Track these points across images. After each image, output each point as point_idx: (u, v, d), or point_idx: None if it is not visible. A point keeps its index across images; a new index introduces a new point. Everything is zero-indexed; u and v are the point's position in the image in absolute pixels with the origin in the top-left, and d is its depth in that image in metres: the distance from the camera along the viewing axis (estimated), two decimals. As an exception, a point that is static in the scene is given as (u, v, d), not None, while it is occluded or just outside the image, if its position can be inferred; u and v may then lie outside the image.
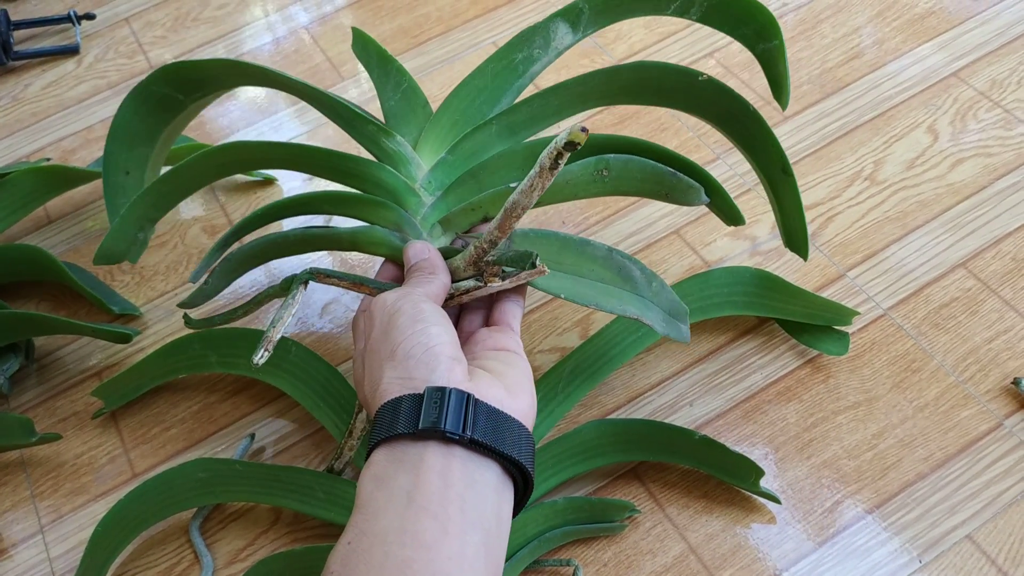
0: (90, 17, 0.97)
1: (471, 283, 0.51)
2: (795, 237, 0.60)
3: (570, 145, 0.41)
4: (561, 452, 0.60)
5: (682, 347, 0.68)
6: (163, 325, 0.74)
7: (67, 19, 0.97)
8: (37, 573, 0.62)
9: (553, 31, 0.59)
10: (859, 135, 0.79)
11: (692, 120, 0.82)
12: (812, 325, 0.66)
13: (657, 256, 0.73)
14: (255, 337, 0.66)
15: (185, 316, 0.65)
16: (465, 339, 0.51)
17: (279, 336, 0.51)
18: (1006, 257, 0.70)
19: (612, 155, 0.55)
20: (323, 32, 0.95)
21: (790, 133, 0.80)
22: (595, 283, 0.54)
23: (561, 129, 0.43)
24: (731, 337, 0.68)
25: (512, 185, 0.51)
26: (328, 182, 0.59)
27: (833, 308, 0.66)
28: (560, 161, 0.42)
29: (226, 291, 0.67)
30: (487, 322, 0.53)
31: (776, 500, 0.60)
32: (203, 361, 0.67)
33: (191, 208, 0.82)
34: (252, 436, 0.66)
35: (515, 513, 0.42)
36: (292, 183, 0.83)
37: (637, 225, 0.75)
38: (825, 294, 0.70)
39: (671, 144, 0.81)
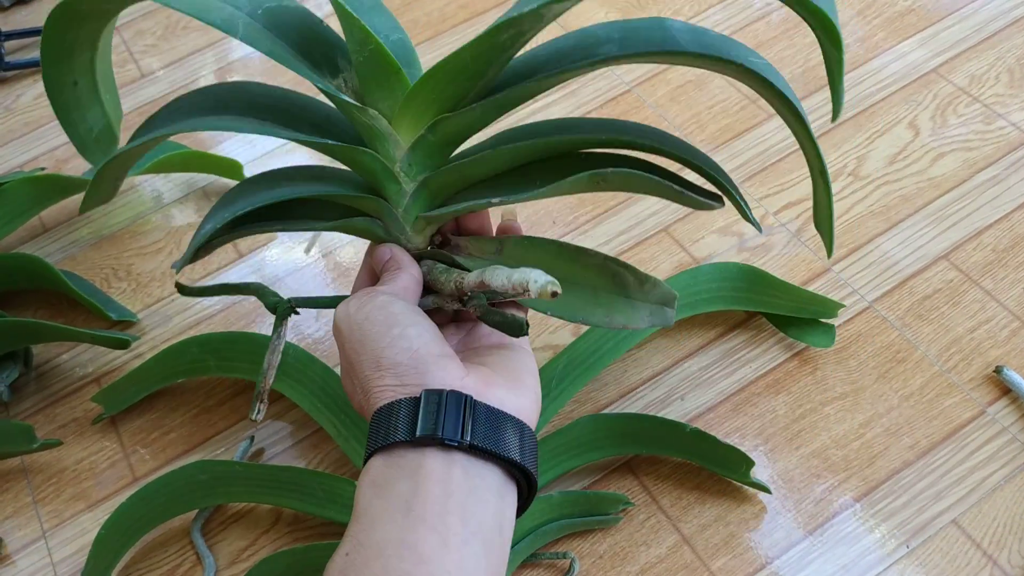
0: (80, 27, 0.98)
1: (455, 306, 0.48)
2: (823, 227, 0.52)
3: (540, 294, 0.40)
4: (556, 447, 0.61)
5: (673, 343, 0.69)
6: (161, 330, 0.75)
7: (58, 29, 0.98)
8: (41, 577, 0.63)
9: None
10: (842, 132, 0.81)
11: (681, 118, 0.84)
12: (799, 318, 0.68)
13: (646, 254, 0.75)
14: (253, 340, 0.68)
15: (178, 285, 0.58)
16: (466, 332, 0.49)
17: (271, 383, 0.51)
18: (987, 248, 0.72)
19: (611, 169, 0.48)
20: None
21: (774, 131, 0.81)
22: (585, 291, 0.50)
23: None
24: (720, 332, 0.70)
25: (494, 201, 0.47)
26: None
27: (819, 301, 0.67)
28: (527, 296, 0.41)
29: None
30: None
31: (766, 490, 0.61)
32: (201, 365, 0.68)
33: (185, 214, 0.83)
34: (251, 438, 0.67)
35: (519, 514, 0.41)
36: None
37: (627, 223, 0.77)
38: (811, 288, 0.71)
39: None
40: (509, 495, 0.40)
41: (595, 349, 0.65)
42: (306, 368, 0.66)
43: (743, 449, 0.62)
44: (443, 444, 0.37)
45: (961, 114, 0.80)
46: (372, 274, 0.50)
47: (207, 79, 0.94)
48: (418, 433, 0.37)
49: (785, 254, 0.73)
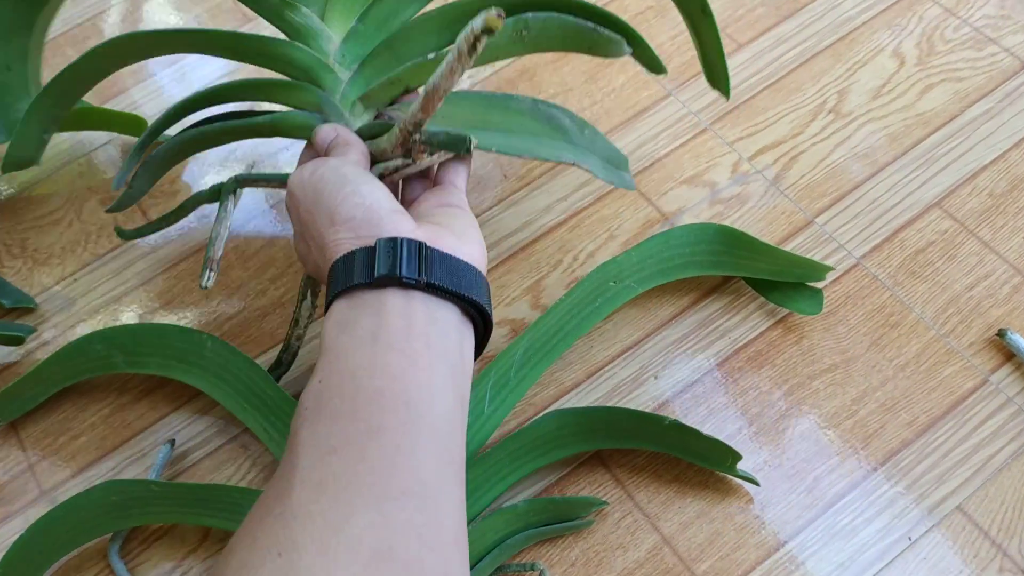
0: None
1: (400, 161, 0.49)
2: (716, 72, 0.55)
3: (487, 31, 0.39)
4: (518, 448, 0.54)
5: (643, 312, 0.62)
6: (64, 316, 0.66)
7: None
8: (-65, 619, 0.55)
9: None
10: (820, 62, 0.73)
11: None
12: (782, 283, 0.61)
13: (610, 209, 0.67)
14: (162, 332, 0.59)
15: (117, 229, 0.59)
16: (408, 204, 0.49)
17: (220, 253, 0.52)
18: (983, 193, 0.65)
19: (531, 14, 0.49)
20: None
21: (746, 63, 0.73)
22: (526, 137, 0.53)
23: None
24: (694, 298, 0.63)
25: (430, 57, 0.48)
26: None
27: (804, 264, 0.60)
28: (478, 45, 0.40)
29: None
30: (431, 186, 0.51)
31: (755, 482, 0.55)
32: (108, 362, 0.59)
33: (86, 178, 0.72)
34: (172, 442, 0.59)
35: (477, 354, 0.42)
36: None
37: (586, 176, 0.68)
38: (793, 243, 0.64)
39: (618, 75, 0.74)
40: (467, 332, 0.41)
41: (558, 329, 0.57)
42: (227, 363, 0.57)
43: (726, 433, 0.56)
44: (402, 283, 0.39)
45: (949, 40, 0.72)
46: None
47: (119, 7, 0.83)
48: (376, 274, 0.38)
49: (763, 205, 0.66)
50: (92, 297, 0.67)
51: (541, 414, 0.57)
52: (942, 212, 0.64)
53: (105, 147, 0.74)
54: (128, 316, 0.65)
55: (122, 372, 0.60)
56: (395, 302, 0.38)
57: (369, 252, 0.39)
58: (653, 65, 0.54)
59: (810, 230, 0.65)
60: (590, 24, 0.51)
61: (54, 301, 0.67)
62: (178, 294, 0.66)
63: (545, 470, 0.57)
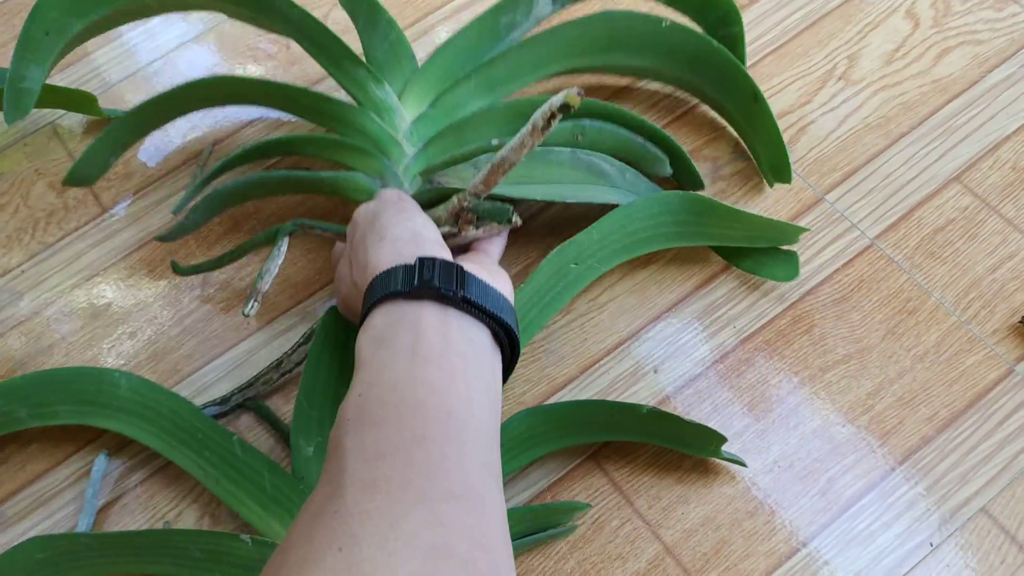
0: None
1: (447, 229, 0.51)
2: (778, 167, 0.59)
3: (564, 108, 0.41)
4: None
5: (640, 301, 0.58)
6: (9, 313, 0.61)
7: None
8: None
9: None
10: (828, 25, 0.67)
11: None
12: (754, 249, 0.57)
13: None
14: (70, 376, 0.54)
15: (173, 264, 0.58)
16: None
17: (267, 288, 0.56)
18: (1005, 166, 0.60)
19: (588, 121, 0.57)
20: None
21: (748, 27, 0.67)
22: (568, 185, 0.57)
23: (539, 89, 0.51)
24: (697, 284, 0.58)
25: (493, 142, 0.51)
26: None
27: (777, 227, 0.56)
28: (553, 122, 0.43)
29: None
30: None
31: (742, 463, 0.51)
32: (11, 419, 0.53)
33: (34, 159, 0.67)
34: (106, 453, 0.54)
35: (503, 381, 0.43)
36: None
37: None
38: (802, 223, 0.59)
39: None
40: (497, 357, 0.42)
41: (535, 303, 0.53)
42: (149, 402, 0.53)
43: (733, 430, 0.52)
44: (439, 295, 0.40)
45: (967, -1, 0.67)
46: None
47: None
48: (416, 283, 0.40)
49: (765, 183, 0.61)
50: (41, 290, 0.61)
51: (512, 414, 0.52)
52: (962, 187, 0.60)
53: (53, 125, 0.68)
54: (83, 307, 0.60)
55: (25, 428, 0.54)
56: (432, 319, 0.39)
57: (409, 268, 0.41)
58: (693, 182, 0.60)
59: (820, 208, 0.60)
60: (640, 139, 0.58)
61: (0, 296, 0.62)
62: (134, 283, 0.61)
63: (537, 473, 0.53)
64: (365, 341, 0.40)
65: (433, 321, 0.39)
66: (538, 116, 0.43)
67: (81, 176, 0.62)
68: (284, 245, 0.57)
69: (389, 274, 0.41)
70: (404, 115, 0.59)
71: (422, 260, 0.41)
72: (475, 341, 0.40)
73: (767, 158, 0.60)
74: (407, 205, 0.48)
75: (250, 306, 0.55)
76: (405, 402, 0.36)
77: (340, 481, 0.34)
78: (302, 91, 0.57)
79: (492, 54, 0.61)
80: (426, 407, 0.36)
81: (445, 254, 0.44)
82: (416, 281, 0.40)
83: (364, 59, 0.58)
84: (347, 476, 0.34)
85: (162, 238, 0.59)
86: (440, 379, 0.37)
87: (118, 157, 0.64)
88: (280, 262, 0.56)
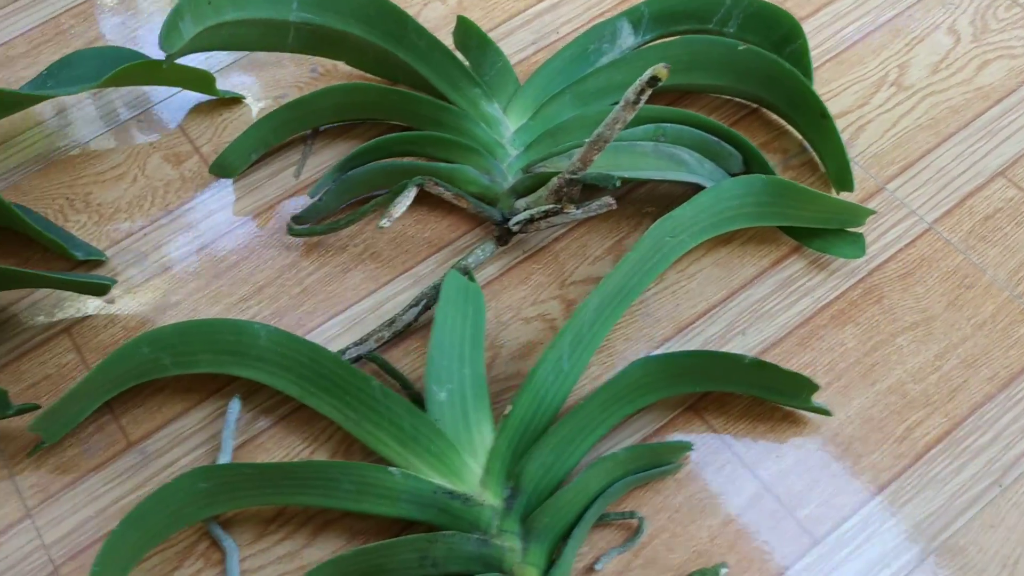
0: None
1: (550, 207, 0.58)
2: (842, 176, 0.66)
3: (653, 80, 0.44)
4: (608, 399, 0.55)
5: (724, 272, 0.63)
6: (135, 271, 0.65)
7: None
8: (33, 563, 0.54)
9: (619, 29, 0.71)
10: (879, 37, 0.75)
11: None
12: (824, 230, 0.63)
13: (684, 174, 0.68)
14: (211, 327, 0.58)
15: (290, 226, 0.65)
16: None
17: (399, 213, 0.59)
18: (1044, 164, 0.68)
19: (669, 124, 0.66)
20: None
21: (807, 36, 0.74)
22: (652, 170, 0.64)
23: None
24: (774, 259, 0.64)
25: (586, 141, 0.56)
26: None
27: (848, 208, 0.63)
28: (643, 96, 0.46)
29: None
30: None
31: (828, 413, 0.57)
32: (156, 365, 0.57)
33: (147, 132, 0.71)
34: (239, 397, 0.59)
35: None
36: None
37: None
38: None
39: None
40: None
41: (622, 285, 0.58)
42: (289, 351, 0.56)
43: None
44: None
45: (1002, 18, 0.75)
46: None
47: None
48: None
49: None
50: (164, 252, 0.66)
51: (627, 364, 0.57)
52: (1007, 181, 0.67)
53: (166, 102, 0.73)
54: (205, 268, 0.64)
55: (170, 375, 0.58)
56: None
57: None
58: (766, 174, 0.65)
59: (881, 196, 0.66)
60: (714, 138, 0.66)
61: (124, 256, 0.66)
62: (253, 247, 0.65)
63: (641, 422, 0.58)
64: None
65: None
66: (630, 92, 0.46)
67: (225, 167, 0.68)
68: (412, 191, 0.61)
69: None
70: (508, 125, 0.69)
71: None
72: None
73: (833, 168, 0.66)
74: None
75: (384, 221, 0.58)
76: None
77: None
78: (427, 101, 0.67)
79: (582, 75, 0.69)
80: None
81: None
82: None
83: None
84: None
85: (298, 219, 0.64)
86: None
87: (259, 154, 0.69)
88: (408, 203, 0.60)
